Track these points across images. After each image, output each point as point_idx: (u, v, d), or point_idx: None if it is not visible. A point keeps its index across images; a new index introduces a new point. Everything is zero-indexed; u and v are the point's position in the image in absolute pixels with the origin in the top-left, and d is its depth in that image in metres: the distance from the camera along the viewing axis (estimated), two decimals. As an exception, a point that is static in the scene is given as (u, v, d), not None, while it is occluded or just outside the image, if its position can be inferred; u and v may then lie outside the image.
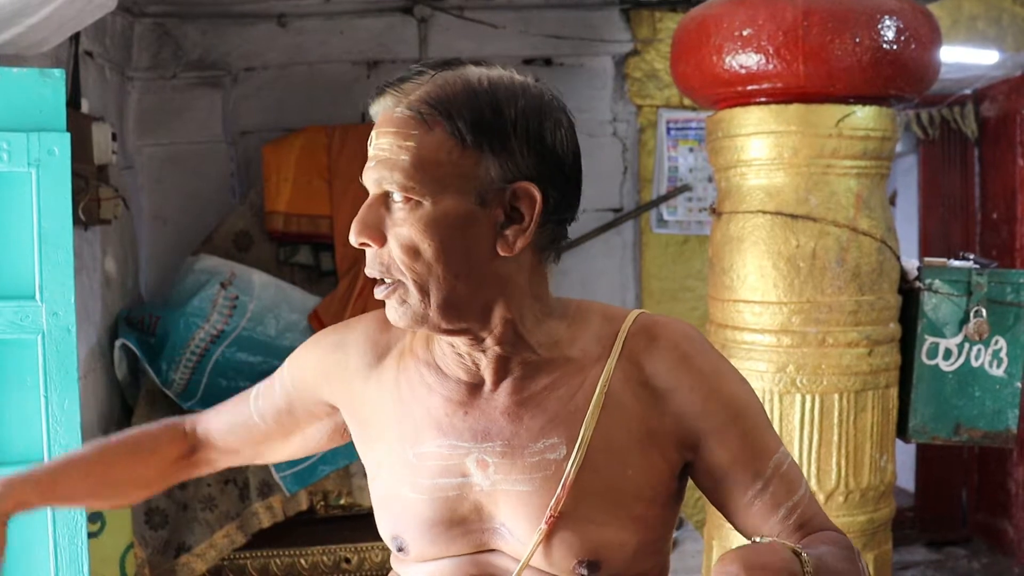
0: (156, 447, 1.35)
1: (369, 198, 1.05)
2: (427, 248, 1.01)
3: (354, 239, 1.04)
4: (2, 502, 1.19)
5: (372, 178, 1.04)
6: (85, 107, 3.22)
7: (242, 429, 1.33)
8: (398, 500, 1.14)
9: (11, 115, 1.89)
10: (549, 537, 1.06)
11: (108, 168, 3.31)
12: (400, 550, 1.15)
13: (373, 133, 1.05)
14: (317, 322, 3.62)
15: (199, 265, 3.69)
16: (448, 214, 1.01)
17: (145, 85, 4.06)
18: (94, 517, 3.22)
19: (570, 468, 1.05)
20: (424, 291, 1.02)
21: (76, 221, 2.08)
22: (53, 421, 1.90)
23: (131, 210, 3.83)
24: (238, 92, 4.16)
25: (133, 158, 4.02)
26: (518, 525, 1.08)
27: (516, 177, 1.02)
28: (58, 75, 1.91)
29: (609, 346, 1.10)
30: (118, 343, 3.53)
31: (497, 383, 1.09)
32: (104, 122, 3.22)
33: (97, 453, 1.33)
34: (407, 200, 1.01)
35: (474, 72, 1.04)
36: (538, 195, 1.03)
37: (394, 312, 1.05)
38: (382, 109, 1.05)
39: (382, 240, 1.03)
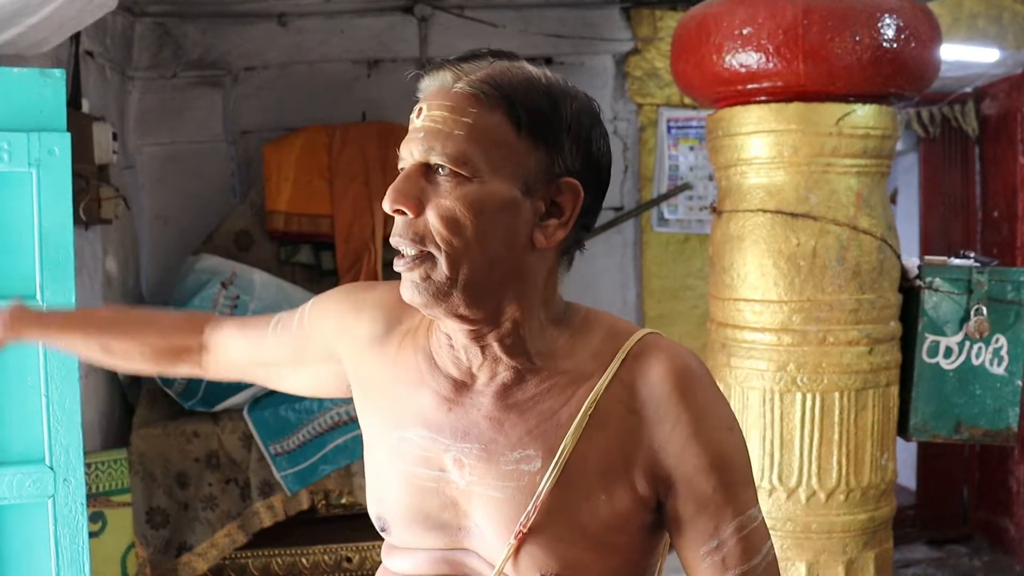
0: (171, 329, 1.42)
1: (407, 169, 1.03)
2: (469, 225, 1.00)
3: (388, 206, 1.02)
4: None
5: (418, 148, 1.01)
6: (85, 107, 3.22)
7: (253, 347, 1.35)
8: (380, 478, 1.16)
9: (11, 115, 1.89)
10: (517, 549, 1.05)
11: (109, 168, 3.31)
12: (383, 530, 1.17)
13: (422, 105, 1.03)
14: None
15: (200, 264, 3.70)
16: (495, 196, 1.01)
17: (145, 85, 4.06)
18: (95, 517, 3.22)
19: (544, 484, 1.04)
20: (455, 267, 1.01)
21: (77, 221, 2.08)
22: (54, 421, 1.90)
23: (132, 210, 3.83)
24: (238, 92, 4.16)
25: (134, 158, 4.02)
26: (490, 529, 1.08)
27: (562, 173, 1.03)
28: (58, 75, 1.90)
29: (606, 364, 1.07)
30: (119, 343, 3.53)
31: (486, 384, 1.09)
32: (105, 122, 3.22)
33: (114, 309, 1.45)
34: (454, 175, 1.00)
35: (531, 67, 1.05)
36: (582, 192, 1.04)
37: (411, 288, 1.03)
38: (438, 84, 1.04)
39: (419, 209, 1.01)
